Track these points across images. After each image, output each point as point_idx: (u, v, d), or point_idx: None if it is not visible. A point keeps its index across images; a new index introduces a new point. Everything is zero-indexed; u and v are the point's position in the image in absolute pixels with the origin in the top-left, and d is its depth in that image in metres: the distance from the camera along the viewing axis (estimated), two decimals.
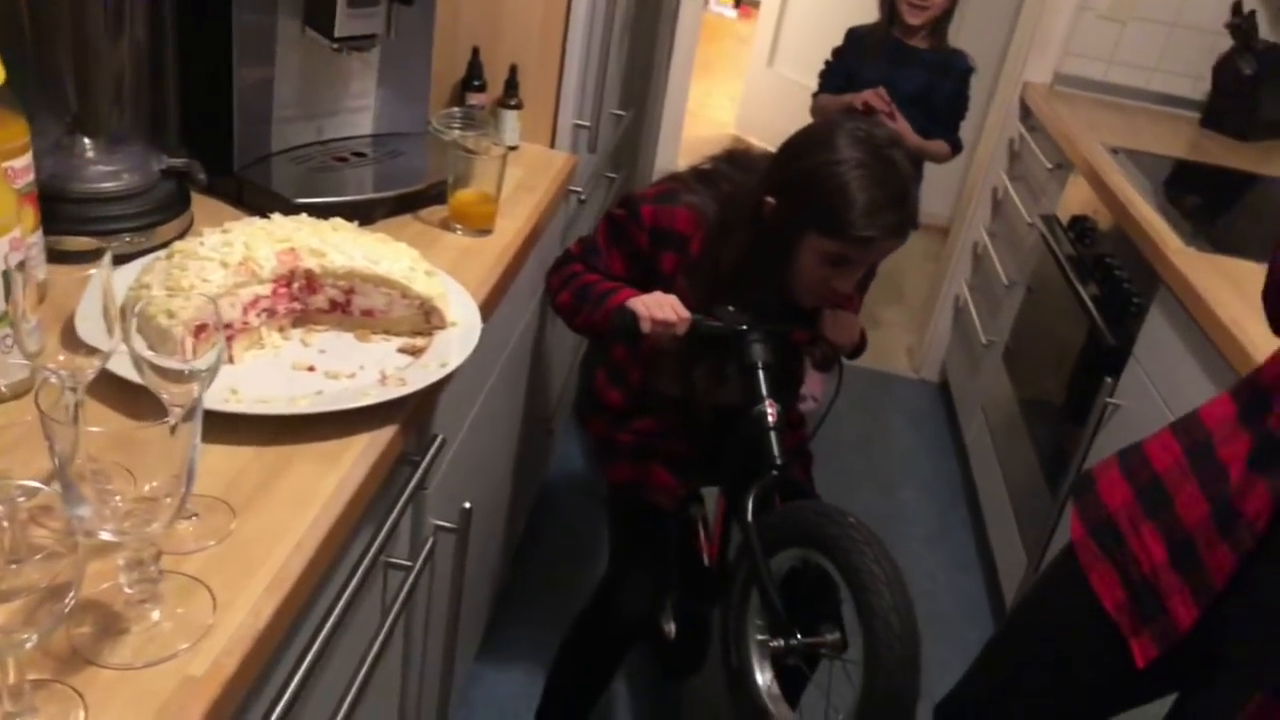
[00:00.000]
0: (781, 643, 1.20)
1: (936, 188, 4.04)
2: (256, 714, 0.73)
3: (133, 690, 0.62)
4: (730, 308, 1.37)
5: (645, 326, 1.32)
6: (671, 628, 1.69)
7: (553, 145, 1.72)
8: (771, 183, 1.35)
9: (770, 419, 1.30)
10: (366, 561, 0.91)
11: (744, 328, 1.35)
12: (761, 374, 1.33)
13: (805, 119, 1.93)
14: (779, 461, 1.28)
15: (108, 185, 1.10)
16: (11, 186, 0.85)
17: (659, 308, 1.33)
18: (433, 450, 1.05)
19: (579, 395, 2.35)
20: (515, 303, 1.46)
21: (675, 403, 1.51)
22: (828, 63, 2.57)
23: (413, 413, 0.95)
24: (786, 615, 1.21)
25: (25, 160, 0.93)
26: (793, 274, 1.36)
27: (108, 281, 0.73)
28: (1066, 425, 2.01)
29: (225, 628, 0.67)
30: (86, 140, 1.10)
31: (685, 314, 1.33)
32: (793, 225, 1.32)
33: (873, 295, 3.13)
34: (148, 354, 0.71)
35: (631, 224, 1.44)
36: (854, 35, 2.55)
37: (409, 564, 1.05)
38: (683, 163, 1.99)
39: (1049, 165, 2.50)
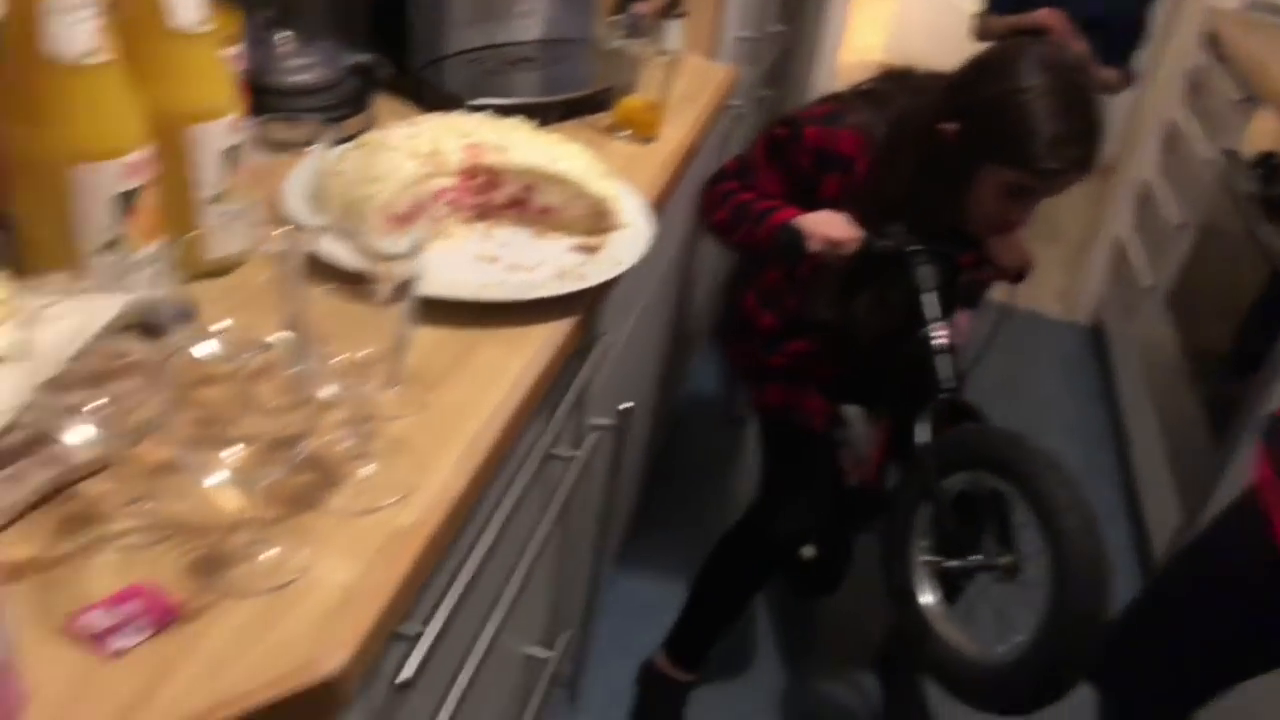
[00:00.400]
0: (956, 563, 1.20)
1: None
2: (445, 574, 0.78)
3: (350, 535, 0.67)
4: (897, 228, 1.34)
5: (813, 245, 1.31)
6: (810, 550, 1.70)
7: (713, 57, 1.70)
8: (949, 107, 1.30)
9: (941, 342, 1.28)
10: (538, 450, 0.95)
11: (913, 249, 1.32)
12: (932, 296, 1.31)
13: (962, 47, 1.84)
14: (951, 385, 1.26)
15: (301, 78, 1.15)
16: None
17: (830, 225, 1.31)
18: (600, 348, 1.07)
19: (720, 320, 2.36)
20: (675, 213, 1.47)
21: (831, 326, 1.50)
22: None
23: (588, 308, 0.98)
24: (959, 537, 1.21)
25: (238, 49, 0.98)
26: (967, 203, 1.32)
27: (325, 159, 0.77)
28: (1235, 375, 1.90)
29: (428, 488, 0.72)
30: (284, 34, 1.15)
31: (857, 232, 1.31)
32: (971, 153, 1.28)
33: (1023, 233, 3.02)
34: (362, 232, 0.75)
35: (794, 144, 1.41)
36: None
37: (573, 454, 1.09)
38: (838, 84, 1.93)
39: (1235, 98, 2.32)
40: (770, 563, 1.56)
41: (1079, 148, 1.23)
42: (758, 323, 1.58)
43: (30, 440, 0.66)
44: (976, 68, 1.31)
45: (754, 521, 1.54)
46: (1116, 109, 3.28)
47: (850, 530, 1.66)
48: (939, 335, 1.29)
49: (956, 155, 1.29)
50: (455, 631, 0.88)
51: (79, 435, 0.60)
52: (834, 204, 1.39)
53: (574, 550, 1.34)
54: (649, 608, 1.85)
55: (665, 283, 1.58)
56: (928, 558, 1.25)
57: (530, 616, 1.22)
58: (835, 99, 1.47)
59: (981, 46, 1.37)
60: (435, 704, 0.85)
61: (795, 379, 1.54)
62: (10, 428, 0.65)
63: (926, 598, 1.24)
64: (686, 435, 2.33)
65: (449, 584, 0.78)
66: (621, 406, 1.21)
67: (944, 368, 1.28)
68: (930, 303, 1.31)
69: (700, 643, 1.66)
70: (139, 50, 0.78)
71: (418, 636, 0.72)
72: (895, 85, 1.44)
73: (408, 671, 0.70)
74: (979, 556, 1.20)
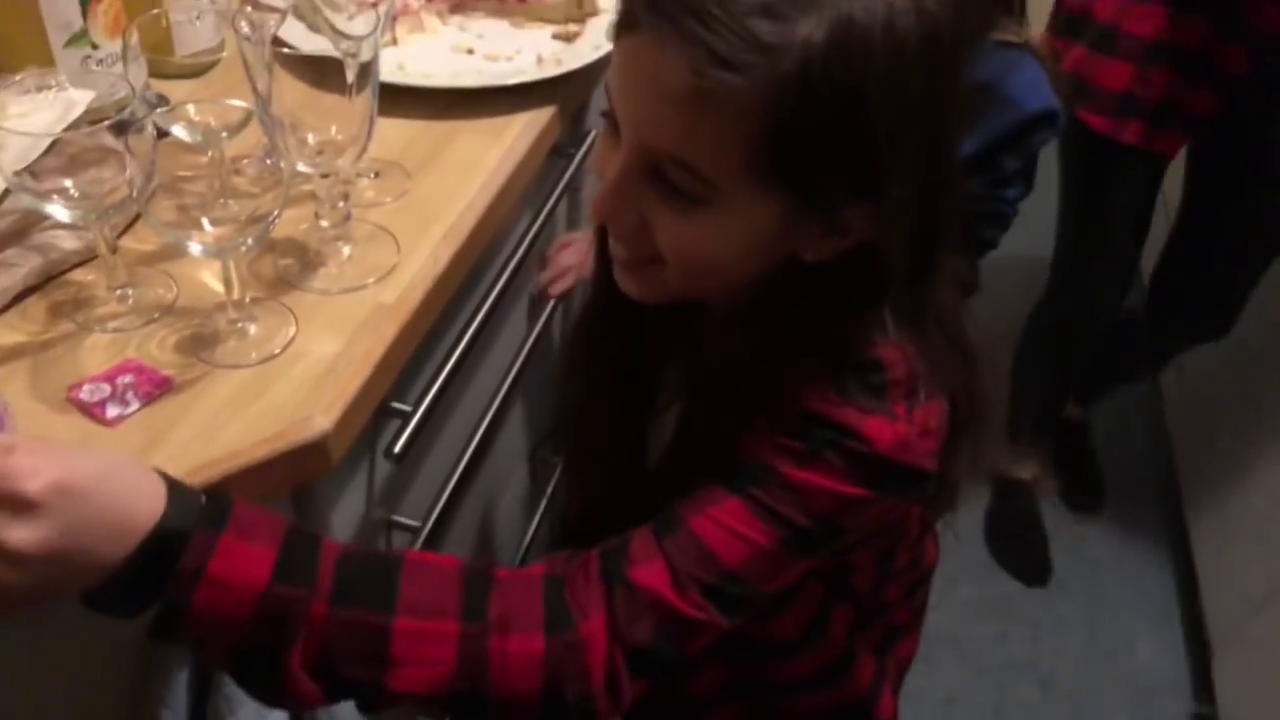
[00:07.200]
0: None
1: None
2: (435, 359, 0.81)
3: (334, 310, 0.69)
4: None
5: None
6: None
7: None
8: None
9: None
10: (525, 245, 0.96)
11: None
12: None
13: None
14: None
15: None
16: None
17: None
18: (586, 144, 1.06)
19: None
20: None
21: None
22: None
23: (568, 97, 0.96)
24: None
25: None
26: None
27: None
28: None
29: (408, 267, 0.73)
30: None
31: None
32: None
33: None
34: (327, 11, 0.74)
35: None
36: None
37: None
38: None
39: None
40: None
41: None
42: None
43: (16, 228, 0.68)
44: None
45: None
46: None
47: None
48: None
49: None
50: (450, 416, 0.92)
51: (60, 214, 0.62)
52: None
53: None
54: None
55: None
56: None
57: (533, 424, 1.26)
58: None
59: None
60: (436, 489, 0.88)
61: None
62: None
63: None
64: None
65: (439, 369, 0.81)
66: None
67: None
68: None
69: None
70: None
71: (410, 414, 0.75)
72: None
73: (399, 445, 0.73)
74: None
